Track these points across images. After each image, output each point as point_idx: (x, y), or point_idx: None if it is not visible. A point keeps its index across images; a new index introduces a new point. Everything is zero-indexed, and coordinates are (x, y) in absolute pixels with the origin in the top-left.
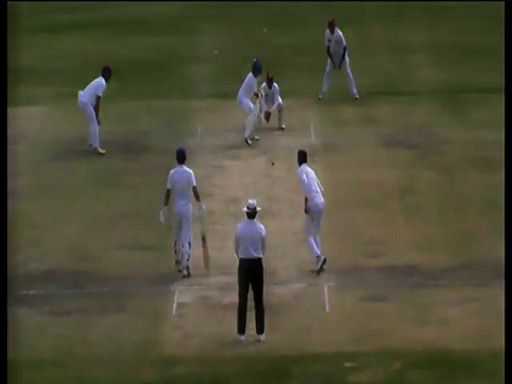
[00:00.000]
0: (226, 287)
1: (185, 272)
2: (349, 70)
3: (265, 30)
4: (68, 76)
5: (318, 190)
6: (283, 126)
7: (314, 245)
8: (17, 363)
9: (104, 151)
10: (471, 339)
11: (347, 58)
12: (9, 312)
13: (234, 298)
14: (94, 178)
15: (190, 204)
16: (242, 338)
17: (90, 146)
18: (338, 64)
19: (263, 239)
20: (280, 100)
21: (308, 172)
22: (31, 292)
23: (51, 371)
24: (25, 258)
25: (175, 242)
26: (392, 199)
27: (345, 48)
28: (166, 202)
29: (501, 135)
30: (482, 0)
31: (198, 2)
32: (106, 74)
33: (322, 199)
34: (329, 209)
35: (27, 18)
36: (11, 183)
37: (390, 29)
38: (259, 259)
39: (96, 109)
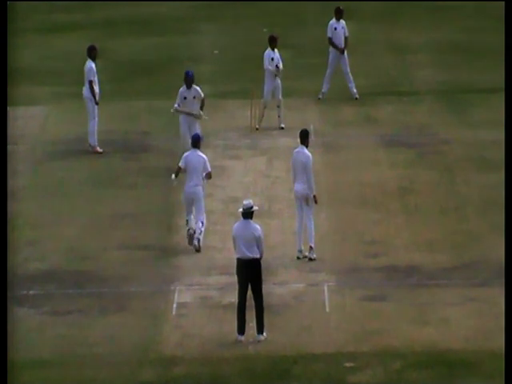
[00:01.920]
0: (226, 287)
1: (195, 242)
2: (348, 70)
3: (265, 30)
4: (68, 76)
5: (300, 177)
6: (282, 126)
7: (298, 238)
8: (17, 363)
9: (102, 150)
10: (471, 339)
11: (347, 59)
12: (9, 312)
13: (233, 297)
14: (93, 178)
15: (201, 187)
16: (242, 338)
17: (90, 145)
18: (342, 49)
19: (258, 239)
20: (281, 64)
21: (296, 157)
22: (31, 292)
23: (51, 371)
24: (25, 258)
25: (187, 221)
26: (392, 199)
27: (346, 38)
28: (177, 174)
29: (501, 135)
30: (482, 0)
31: (198, 2)
32: (91, 53)
33: (300, 186)
34: (329, 209)
35: (27, 18)
36: (11, 183)
37: (390, 29)
38: (255, 259)
39: (92, 91)
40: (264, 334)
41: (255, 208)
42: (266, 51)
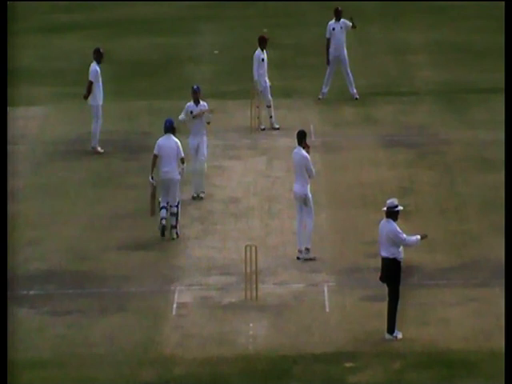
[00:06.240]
0: (226, 287)
1: (174, 235)
2: (349, 70)
3: (265, 30)
4: (68, 76)
5: (297, 178)
6: (277, 126)
7: (298, 238)
8: (17, 363)
9: (102, 150)
10: (471, 339)
11: (347, 59)
12: (9, 312)
13: (234, 297)
14: (94, 178)
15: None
16: (389, 336)
17: (92, 147)
18: (328, 60)
19: (389, 239)
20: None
21: (293, 158)
22: (31, 292)
23: (51, 371)
24: (25, 258)
25: (161, 209)
26: None
27: (354, 26)
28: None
29: (501, 135)
30: (482, 0)
31: (198, 2)
32: (97, 56)
33: (298, 187)
34: (329, 209)
35: (27, 18)
36: (11, 183)
37: (390, 29)
38: (385, 258)
39: (87, 91)
40: (394, 333)
41: (399, 208)
42: (256, 52)
